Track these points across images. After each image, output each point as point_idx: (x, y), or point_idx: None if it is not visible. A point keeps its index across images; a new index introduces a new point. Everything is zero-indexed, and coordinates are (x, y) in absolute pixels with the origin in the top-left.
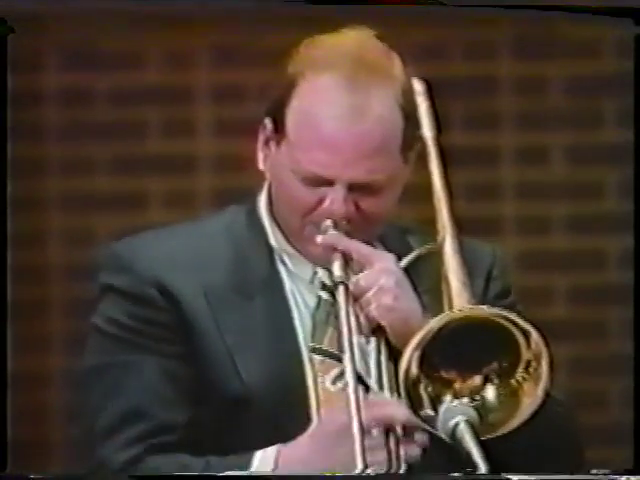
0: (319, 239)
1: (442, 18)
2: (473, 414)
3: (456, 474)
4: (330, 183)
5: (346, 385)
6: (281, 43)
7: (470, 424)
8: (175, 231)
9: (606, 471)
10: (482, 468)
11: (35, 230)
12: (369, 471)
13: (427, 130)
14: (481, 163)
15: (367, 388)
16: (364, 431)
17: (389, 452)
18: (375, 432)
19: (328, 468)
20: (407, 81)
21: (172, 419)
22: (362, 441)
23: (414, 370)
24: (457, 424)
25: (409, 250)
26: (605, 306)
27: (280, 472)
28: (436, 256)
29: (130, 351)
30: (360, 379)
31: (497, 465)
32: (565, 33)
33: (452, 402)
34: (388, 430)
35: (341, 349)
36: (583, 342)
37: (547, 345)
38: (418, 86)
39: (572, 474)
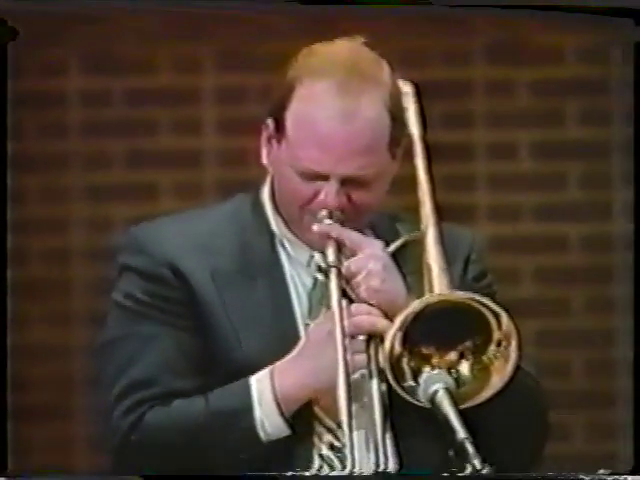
0: (315, 227)
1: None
2: (451, 382)
3: (457, 474)
4: (325, 178)
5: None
6: (279, 50)
7: (448, 391)
8: (186, 217)
9: (608, 471)
10: (458, 430)
11: (60, 217)
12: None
13: (414, 128)
14: (457, 157)
15: (351, 301)
16: (345, 335)
17: (369, 356)
18: (359, 337)
19: (317, 373)
20: (394, 86)
21: (180, 386)
22: (344, 344)
23: (397, 348)
24: (436, 391)
25: (397, 236)
26: (567, 285)
27: (277, 384)
28: (420, 243)
29: (145, 323)
30: (345, 293)
31: (474, 430)
32: (531, 41)
33: (432, 371)
34: (369, 337)
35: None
36: (547, 318)
37: (516, 326)
38: (407, 88)
39: (539, 440)
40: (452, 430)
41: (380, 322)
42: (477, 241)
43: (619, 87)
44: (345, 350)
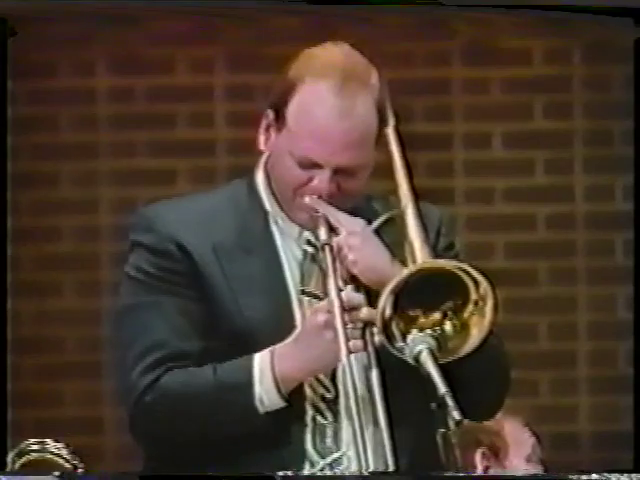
0: (307, 199)
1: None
2: (433, 343)
3: (459, 474)
4: (319, 166)
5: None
6: (282, 52)
7: (431, 351)
8: (191, 199)
9: (607, 472)
10: (440, 386)
11: (90, 199)
12: (352, 358)
13: (389, 125)
14: (438, 147)
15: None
16: (346, 324)
17: (365, 341)
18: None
19: (313, 360)
20: (381, 88)
21: (187, 348)
22: (345, 331)
23: (388, 311)
24: (420, 351)
25: (374, 213)
26: (534, 259)
27: (276, 366)
28: (398, 220)
29: (153, 293)
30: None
31: (453, 383)
32: (503, 44)
33: (417, 333)
34: (365, 324)
35: (327, 293)
36: (516, 287)
37: (493, 290)
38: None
39: (502, 390)
40: (434, 386)
41: (373, 313)
42: (445, 217)
43: (579, 84)
44: (346, 333)
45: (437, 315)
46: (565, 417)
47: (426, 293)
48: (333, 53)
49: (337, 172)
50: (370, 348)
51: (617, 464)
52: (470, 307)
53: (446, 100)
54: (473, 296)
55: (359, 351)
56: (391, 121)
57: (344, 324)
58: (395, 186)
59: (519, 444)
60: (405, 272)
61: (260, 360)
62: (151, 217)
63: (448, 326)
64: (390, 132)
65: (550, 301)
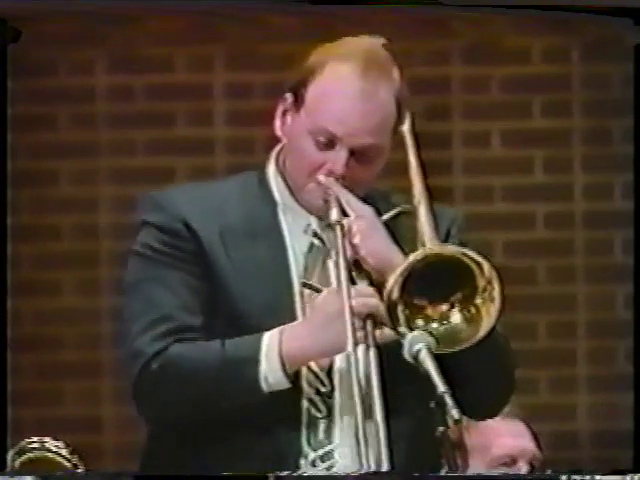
0: (321, 177)
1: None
2: (432, 342)
3: (455, 474)
4: (337, 144)
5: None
6: (281, 50)
7: (430, 350)
8: (201, 186)
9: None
10: (438, 385)
11: (89, 197)
12: (359, 350)
13: (405, 124)
14: (437, 145)
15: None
16: (354, 316)
17: (366, 333)
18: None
19: (322, 344)
20: (401, 82)
21: (193, 322)
22: (353, 324)
23: (395, 294)
24: (419, 350)
25: (391, 205)
26: (533, 257)
27: (284, 345)
28: (412, 216)
29: (160, 268)
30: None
31: (458, 379)
32: (502, 43)
33: (415, 332)
34: (366, 316)
35: (338, 270)
36: (515, 285)
37: (498, 273)
38: None
39: (507, 390)
40: (433, 384)
41: (380, 305)
42: (458, 217)
43: (578, 83)
44: (353, 324)
45: (444, 307)
46: (564, 415)
47: (433, 284)
48: (358, 41)
49: (353, 154)
50: (370, 339)
51: (616, 463)
52: (478, 296)
53: (445, 98)
54: (481, 282)
55: (360, 342)
56: (407, 121)
57: (352, 314)
58: (409, 184)
59: (484, 450)
60: (411, 257)
61: (269, 338)
62: (161, 199)
63: (456, 317)
64: (407, 131)
65: (549, 300)
